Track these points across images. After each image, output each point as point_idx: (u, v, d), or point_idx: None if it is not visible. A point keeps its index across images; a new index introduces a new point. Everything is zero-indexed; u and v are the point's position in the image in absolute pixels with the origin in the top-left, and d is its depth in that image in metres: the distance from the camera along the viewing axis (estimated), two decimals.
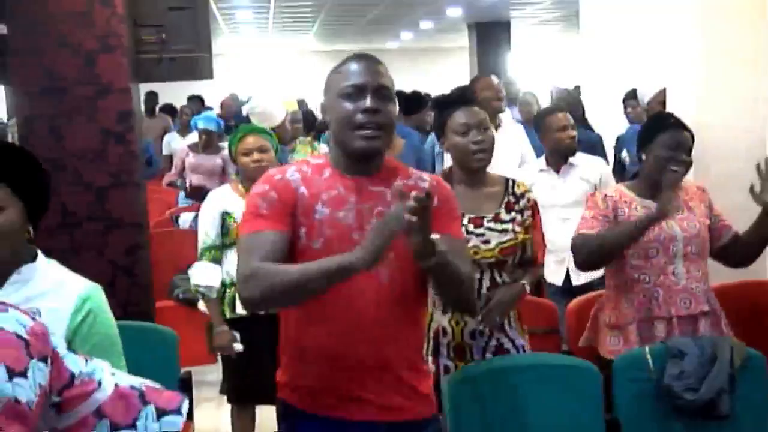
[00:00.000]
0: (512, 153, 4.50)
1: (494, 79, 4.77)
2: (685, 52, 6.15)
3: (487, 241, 2.74)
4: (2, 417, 1.44)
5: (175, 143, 8.72)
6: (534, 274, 2.91)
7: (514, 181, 2.88)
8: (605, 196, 3.03)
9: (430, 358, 2.74)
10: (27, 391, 1.46)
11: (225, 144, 7.54)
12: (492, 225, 2.76)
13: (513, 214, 2.80)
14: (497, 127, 4.49)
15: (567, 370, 2.82)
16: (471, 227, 2.74)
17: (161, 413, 1.66)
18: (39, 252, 2.16)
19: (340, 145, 2.13)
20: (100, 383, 1.63)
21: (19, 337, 1.50)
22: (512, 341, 2.81)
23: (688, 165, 2.98)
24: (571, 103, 5.47)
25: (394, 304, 2.11)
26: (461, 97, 2.87)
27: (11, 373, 1.45)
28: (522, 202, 2.83)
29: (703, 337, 2.88)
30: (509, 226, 2.78)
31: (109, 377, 1.66)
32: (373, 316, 2.08)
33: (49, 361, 1.53)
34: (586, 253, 2.95)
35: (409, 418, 2.16)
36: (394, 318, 2.12)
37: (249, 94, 12.36)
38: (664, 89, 5.24)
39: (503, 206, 2.81)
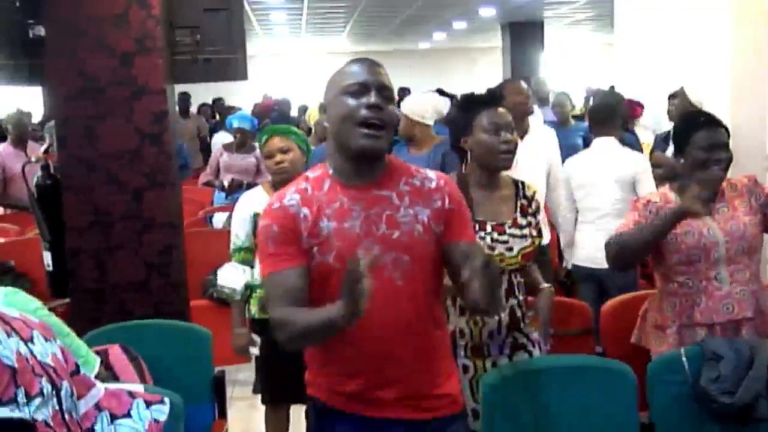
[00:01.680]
0: (538, 159, 4.48)
1: (523, 84, 4.76)
2: (717, 52, 6.09)
3: (510, 248, 2.73)
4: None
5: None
6: (547, 268, 2.91)
7: (523, 183, 2.87)
8: (648, 201, 2.98)
9: None
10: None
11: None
12: (513, 231, 2.75)
13: (528, 218, 2.79)
14: (525, 131, 4.48)
15: (601, 372, 2.80)
16: (495, 235, 2.73)
17: (149, 404, 1.90)
18: None
19: (341, 148, 2.13)
20: (95, 383, 1.83)
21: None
22: (526, 336, 2.81)
23: (728, 161, 2.92)
24: (610, 104, 5.37)
25: (413, 306, 2.12)
26: (491, 98, 2.87)
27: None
28: (534, 205, 2.83)
29: (740, 339, 2.83)
30: (527, 231, 2.77)
31: (100, 383, 1.87)
32: (393, 319, 2.10)
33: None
34: (614, 251, 2.92)
35: (436, 416, 2.18)
36: (414, 318, 2.13)
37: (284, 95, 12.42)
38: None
39: (518, 210, 2.80)
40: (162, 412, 1.89)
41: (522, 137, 4.24)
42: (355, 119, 2.06)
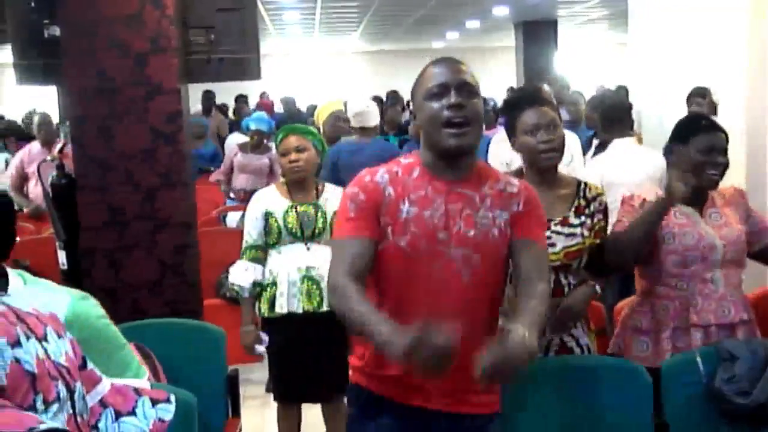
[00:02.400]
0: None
1: (546, 87, 4.78)
2: (733, 53, 6.05)
3: (553, 245, 2.70)
4: None
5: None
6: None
7: (586, 184, 2.85)
8: (644, 201, 2.96)
9: None
10: None
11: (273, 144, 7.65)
12: (559, 228, 2.74)
13: (583, 218, 2.77)
14: None
15: (615, 372, 2.80)
16: None
17: (154, 402, 1.84)
18: (11, 278, 2.10)
19: (431, 147, 2.19)
20: (101, 378, 1.79)
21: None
22: (576, 340, 2.80)
23: (724, 167, 2.91)
24: (623, 104, 5.38)
25: (474, 304, 2.17)
26: (530, 98, 2.87)
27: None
28: (593, 206, 2.80)
29: (756, 340, 2.82)
30: (577, 230, 2.75)
31: (105, 377, 1.82)
32: (452, 313, 2.08)
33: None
34: (613, 251, 2.87)
35: (478, 412, 2.23)
36: (472, 316, 2.16)
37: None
38: None
39: (573, 210, 2.78)
40: (168, 411, 1.85)
41: None
42: (439, 121, 2.12)
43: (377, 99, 10.37)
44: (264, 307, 3.52)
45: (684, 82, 6.38)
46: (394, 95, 11.94)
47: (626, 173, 4.47)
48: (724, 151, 2.91)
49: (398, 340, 1.85)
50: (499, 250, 2.20)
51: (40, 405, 1.54)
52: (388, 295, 2.17)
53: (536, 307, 2.14)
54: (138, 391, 1.83)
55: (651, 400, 2.72)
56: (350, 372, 2.34)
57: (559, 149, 2.78)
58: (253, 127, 7.04)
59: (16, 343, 1.53)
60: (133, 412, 1.78)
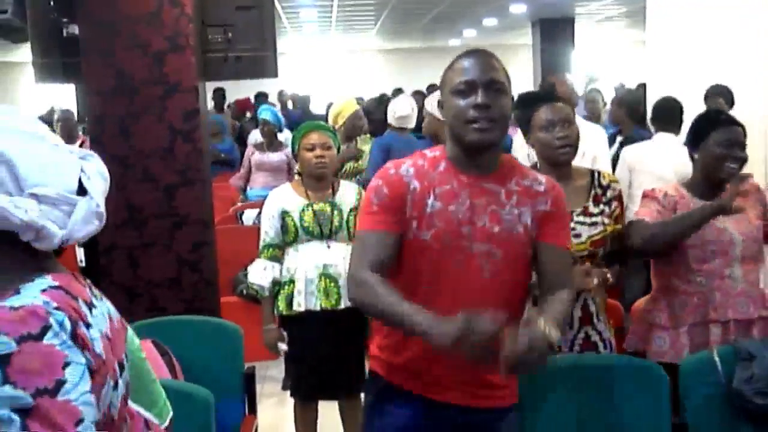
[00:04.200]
0: (582, 155, 4.50)
1: (568, 76, 4.85)
2: (753, 50, 6.01)
3: (578, 235, 2.74)
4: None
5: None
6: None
7: (599, 173, 2.89)
8: (666, 194, 2.98)
9: None
10: None
11: (287, 141, 7.67)
12: (582, 219, 2.78)
13: (601, 206, 2.82)
14: None
15: (633, 371, 2.79)
16: None
17: None
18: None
19: (455, 140, 2.17)
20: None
21: None
22: (599, 333, 2.82)
23: (743, 161, 2.92)
24: (631, 102, 5.50)
25: (496, 301, 2.11)
26: (545, 94, 2.89)
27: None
28: (609, 193, 2.84)
29: None
30: (598, 219, 2.79)
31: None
32: (470, 305, 2.05)
33: None
34: (643, 238, 2.87)
35: (493, 406, 2.23)
36: (491, 311, 2.12)
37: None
38: None
39: (591, 199, 2.82)
40: None
41: None
42: (464, 119, 2.10)
43: (419, 93, 10.34)
44: (282, 305, 3.53)
45: (702, 80, 6.34)
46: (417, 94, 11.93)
47: (660, 163, 4.64)
48: (743, 146, 2.92)
49: (444, 329, 1.85)
50: (522, 248, 2.18)
51: None
52: (408, 290, 2.14)
53: (559, 307, 2.15)
54: (148, 426, 1.72)
55: (668, 399, 2.71)
56: (369, 360, 2.35)
57: (575, 145, 2.81)
58: (261, 116, 7.16)
59: (115, 385, 1.42)
60: None
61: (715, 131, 2.91)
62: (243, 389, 3.27)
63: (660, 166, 4.62)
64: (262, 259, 3.54)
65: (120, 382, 1.44)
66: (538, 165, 2.86)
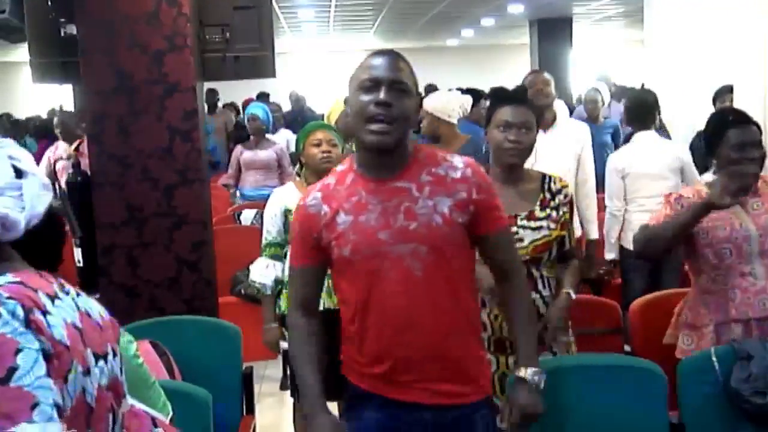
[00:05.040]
0: (565, 153, 4.49)
1: (547, 75, 4.77)
2: (751, 50, 6.01)
3: (520, 240, 2.73)
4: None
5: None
6: (575, 272, 2.89)
7: (551, 177, 2.86)
8: (680, 197, 2.97)
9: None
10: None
11: (275, 139, 7.64)
12: (525, 223, 2.76)
13: (548, 210, 2.79)
14: (548, 124, 4.48)
15: (630, 371, 2.79)
16: None
17: None
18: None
19: (357, 141, 2.20)
20: (125, 394, 1.68)
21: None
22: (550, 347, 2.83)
23: (762, 159, 2.90)
24: (647, 100, 5.45)
25: (438, 295, 2.15)
26: (515, 95, 2.87)
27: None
28: (558, 198, 2.82)
29: None
30: (543, 223, 2.77)
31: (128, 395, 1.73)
32: (416, 309, 2.14)
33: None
34: (643, 242, 2.92)
35: (459, 402, 2.22)
36: (439, 308, 2.16)
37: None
38: None
39: (538, 203, 2.80)
40: None
41: (545, 130, 4.25)
42: (364, 116, 2.11)
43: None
44: (284, 305, 3.53)
45: (701, 79, 6.35)
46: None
47: (650, 163, 4.61)
48: (759, 143, 2.89)
49: (312, 420, 2.16)
50: (446, 237, 2.15)
51: None
52: (351, 301, 2.20)
53: (523, 318, 2.32)
54: (155, 422, 1.75)
55: (665, 399, 2.72)
56: (342, 365, 2.36)
57: (526, 152, 2.79)
58: (249, 111, 7.11)
59: (86, 372, 1.44)
60: None
61: (728, 132, 2.88)
62: (241, 389, 3.27)
63: (651, 165, 4.61)
64: (264, 258, 3.55)
65: (94, 370, 1.46)
66: (490, 161, 2.86)
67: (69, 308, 1.45)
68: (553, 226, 2.78)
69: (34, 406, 1.28)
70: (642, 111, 4.84)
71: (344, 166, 2.26)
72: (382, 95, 2.09)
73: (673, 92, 6.10)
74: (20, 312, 1.33)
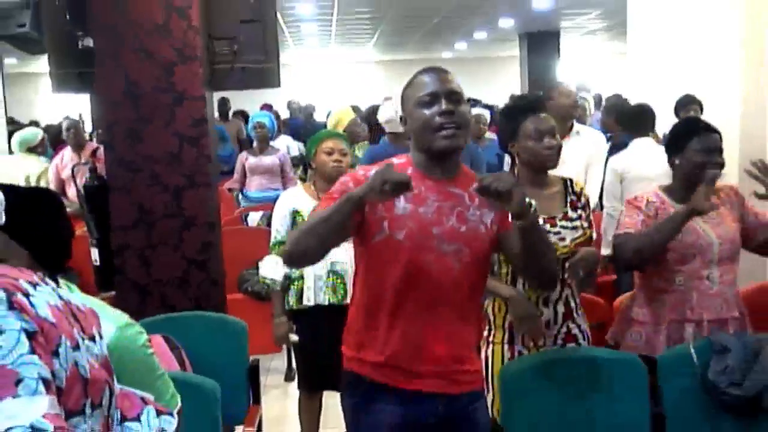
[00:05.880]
0: (578, 160, 4.64)
1: (572, 88, 4.89)
2: (725, 64, 6.01)
3: (563, 239, 2.77)
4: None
5: None
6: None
7: (571, 180, 2.90)
8: (647, 201, 2.97)
9: (506, 347, 2.80)
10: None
11: (278, 145, 7.70)
12: (564, 223, 2.79)
13: (578, 211, 2.83)
14: (568, 132, 4.68)
15: (614, 364, 2.79)
16: (547, 227, 2.76)
17: (159, 413, 1.79)
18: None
19: (422, 149, 2.23)
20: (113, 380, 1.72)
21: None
22: (579, 326, 2.84)
23: (721, 166, 2.91)
24: (617, 108, 5.54)
25: (462, 292, 2.24)
26: (533, 105, 2.89)
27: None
28: (583, 199, 2.86)
29: (746, 333, 2.80)
30: (578, 223, 2.81)
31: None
32: (445, 301, 2.21)
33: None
34: (630, 251, 2.87)
35: (466, 390, 2.28)
36: (461, 303, 2.25)
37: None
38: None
39: (569, 205, 2.83)
40: (170, 423, 1.79)
41: (562, 137, 4.30)
42: (432, 127, 2.17)
43: None
44: (292, 300, 3.53)
45: (678, 89, 6.35)
46: None
47: (649, 167, 4.61)
48: (721, 152, 2.92)
49: (364, 186, 2.03)
50: (485, 245, 2.27)
51: (88, 409, 1.51)
52: (386, 285, 2.20)
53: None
54: (144, 400, 1.79)
55: (646, 391, 2.71)
56: (344, 362, 2.35)
57: (559, 154, 2.81)
58: (256, 120, 7.16)
59: (76, 347, 1.49)
60: (137, 419, 1.73)
61: (695, 139, 2.90)
62: (248, 381, 3.27)
63: (648, 168, 4.63)
64: (273, 255, 3.55)
65: (83, 345, 1.51)
66: (517, 171, 2.85)
67: (50, 294, 1.49)
68: (586, 224, 2.83)
69: (18, 381, 1.32)
70: (640, 120, 4.96)
71: (402, 160, 2.29)
72: (444, 105, 2.16)
73: (653, 101, 6.09)
74: (3, 296, 1.37)
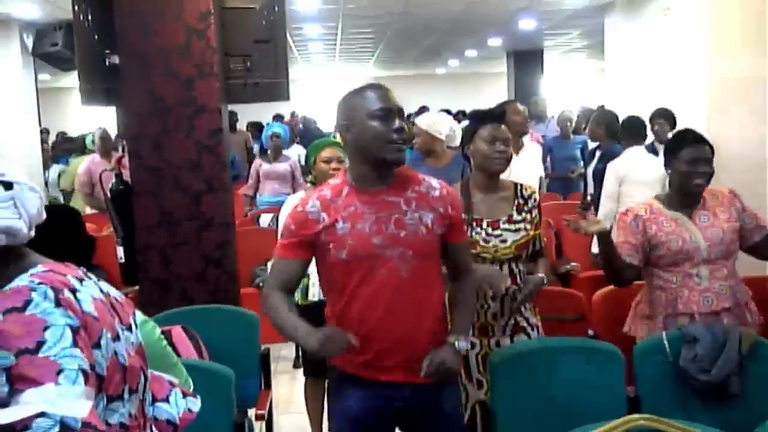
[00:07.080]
0: (532, 170, 4.73)
1: (521, 106, 4.99)
2: (694, 79, 6.03)
3: (504, 240, 2.74)
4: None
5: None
6: (546, 264, 2.89)
7: (521, 185, 2.88)
8: (636, 216, 2.97)
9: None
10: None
11: (290, 154, 7.73)
12: (507, 226, 2.77)
13: (523, 214, 2.80)
14: (521, 147, 4.76)
15: (593, 352, 2.79)
16: (490, 230, 2.75)
17: (185, 395, 1.80)
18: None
19: (367, 159, 2.20)
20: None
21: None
22: (527, 320, 2.82)
23: (709, 175, 2.91)
24: (608, 120, 5.60)
25: (416, 293, 2.21)
26: (495, 114, 2.88)
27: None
28: (530, 203, 2.82)
29: (716, 324, 2.81)
30: (521, 225, 2.78)
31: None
32: (399, 303, 2.18)
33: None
34: (612, 277, 3.01)
35: (430, 381, 2.23)
36: (417, 303, 2.21)
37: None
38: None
39: (514, 208, 2.80)
40: (195, 404, 1.80)
41: (517, 152, 4.37)
42: (386, 140, 2.15)
43: (408, 115, 10.29)
44: (298, 296, 3.53)
45: (651, 102, 6.37)
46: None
47: (645, 172, 4.74)
48: (709, 161, 2.91)
49: (311, 341, 2.05)
50: (429, 246, 2.23)
51: (126, 394, 1.51)
52: (344, 297, 2.21)
53: (466, 316, 2.37)
54: (171, 383, 1.80)
55: (623, 376, 2.71)
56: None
57: (508, 161, 2.80)
58: (272, 130, 7.18)
59: (116, 338, 1.49)
60: (166, 400, 1.74)
61: (685, 149, 2.90)
62: (259, 367, 3.28)
63: (645, 173, 4.73)
64: None
65: (122, 335, 1.52)
66: (471, 172, 2.86)
67: (94, 288, 1.50)
68: (529, 227, 2.79)
69: (59, 371, 1.33)
70: (635, 129, 5.03)
71: (338, 180, 2.28)
72: (397, 123, 2.16)
73: (628, 113, 6.12)
74: (51, 294, 1.37)
